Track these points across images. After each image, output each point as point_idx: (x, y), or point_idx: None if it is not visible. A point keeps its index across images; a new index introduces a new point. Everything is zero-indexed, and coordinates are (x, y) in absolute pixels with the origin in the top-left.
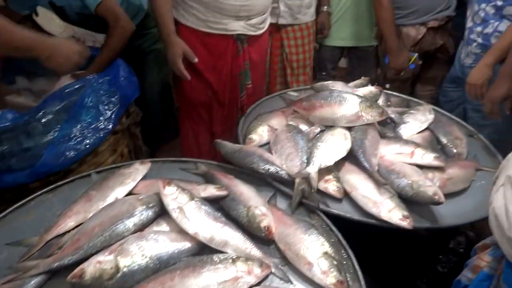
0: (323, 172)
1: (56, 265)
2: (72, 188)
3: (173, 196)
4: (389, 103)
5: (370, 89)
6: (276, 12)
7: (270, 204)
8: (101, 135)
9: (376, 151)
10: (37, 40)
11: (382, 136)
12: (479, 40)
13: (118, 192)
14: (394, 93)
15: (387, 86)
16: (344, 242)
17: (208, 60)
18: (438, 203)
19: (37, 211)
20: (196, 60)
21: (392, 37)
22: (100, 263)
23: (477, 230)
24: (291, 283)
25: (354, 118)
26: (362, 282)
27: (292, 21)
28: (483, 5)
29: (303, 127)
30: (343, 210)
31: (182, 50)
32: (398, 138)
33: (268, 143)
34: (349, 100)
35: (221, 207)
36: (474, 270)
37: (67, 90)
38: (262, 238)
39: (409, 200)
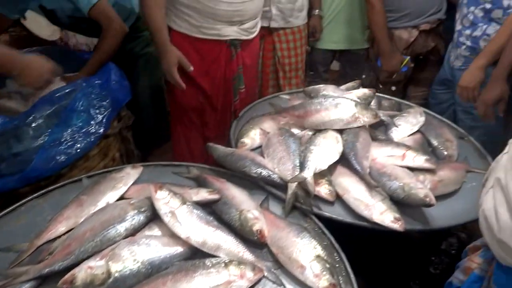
0: (316, 175)
1: (47, 270)
2: (63, 193)
3: (165, 201)
4: (380, 106)
5: (364, 91)
6: (268, 16)
7: (263, 207)
8: (92, 139)
9: (368, 154)
10: (8, 56)
11: (374, 138)
12: (468, 43)
13: (110, 196)
14: (386, 96)
15: (380, 87)
16: (336, 245)
17: (201, 65)
18: (429, 205)
19: (28, 216)
20: (191, 68)
21: (385, 40)
22: (91, 269)
23: (469, 231)
24: (284, 286)
25: (351, 120)
26: (355, 285)
27: (284, 24)
28: (472, 8)
29: (295, 130)
30: (335, 213)
31: (177, 58)
32: (389, 141)
33: (260, 147)
34: (345, 103)
35: (214, 211)
36: (465, 271)
37: (57, 94)
38: (255, 242)
39: (401, 203)
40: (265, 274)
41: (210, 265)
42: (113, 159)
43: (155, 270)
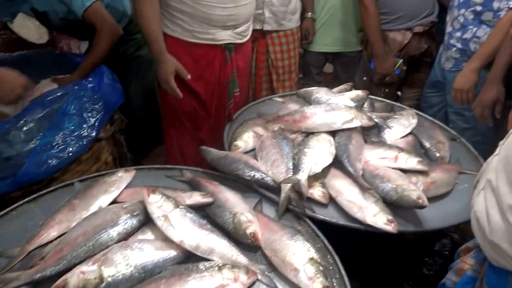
0: (309, 177)
1: (39, 276)
2: (55, 197)
3: (158, 204)
4: (373, 108)
5: (357, 92)
6: (261, 19)
7: (256, 210)
8: (85, 143)
9: (361, 156)
10: None
11: (367, 141)
12: (459, 45)
13: (102, 200)
14: (378, 98)
15: (374, 88)
16: (330, 247)
17: (195, 69)
18: (422, 206)
19: (19, 221)
20: (189, 77)
21: (378, 43)
22: (83, 274)
23: (462, 232)
24: None
25: (349, 119)
26: (348, 287)
27: (277, 27)
28: (462, 11)
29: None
30: (329, 215)
31: (174, 67)
32: (382, 143)
33: (253, 149)
34: (341, 104)
35: (207, 214)
36: (458, 273)
37: (49, 98)
38: (248, 245)
39: (394, 204)
40: (259, 277)
41: (203, 269)
42: (106, 162)
43: (148, 274)
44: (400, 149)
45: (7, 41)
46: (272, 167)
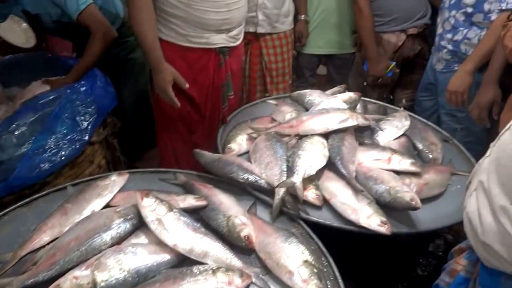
0: (303, 180)
1: (31, 281)
2: (47, 201)
3: (151, 208)
4: (366, 109)
5: (350, 94)
6: (254, 21)
7: (250, 213)
8: (77, 147)
9: (354, 158)
10: None
11: (360, 143)
12: (450, 46)
13: (95, 204)
14: (371, 100)
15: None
16: (324, 249)
17: (189, 73)
18: (415, 208)
19: (11, 226)
20: (187, 85)
21: (372, 45)
22: (76, 279)
23: (455, 233)
24: None
25: (344, 118)
26: None
27: (271, 30)
28: (453, 12)
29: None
30: (323, 217)
31: (172, 76)
32: (375, 145)
33: (247, 152)
34: (336, 105)
35: (201, 217)
36: (451, 274)
37: (41, 101)
38: (243, 248)
39: (387, 206)
40: (253, 280)
41: (197, 272)
42: (99, 166)
43: (142, 278)
44: (393, 151)
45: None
46: (266, 170)
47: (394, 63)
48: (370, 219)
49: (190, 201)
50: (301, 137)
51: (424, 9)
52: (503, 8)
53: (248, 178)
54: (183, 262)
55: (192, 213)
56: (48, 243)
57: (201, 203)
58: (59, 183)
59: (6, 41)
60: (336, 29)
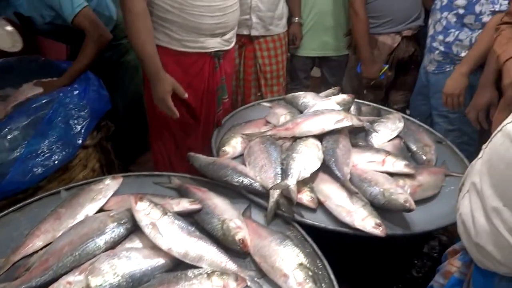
0: (297, 182)
1: (24, 287)
2: (40, 206)
3: (145, 212)
4: (360, 111)
5: (343, 96)
6: (248, 24)
7: (245, 216)
8: (71, 151)
9: (348, 160)
10: None
11: (354, 145)
12: (441, 48)
13: (89, 209)
14: (365, 102)
15: (365, 92)
16: (319, 252)
17: (183, 78)
18: (409, 210)
19: (4, 231)
20: (186, 95)
21: (366, 47)
22: (70, 284)
23: (450, 234)
24: None
25: (340, 119)
26: None
27: (265, 32)
28: (445, 13)
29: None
30: (318, 220)
31: (171, 86)
32: (369, 147)
33: (242, 155)
34: (329, 107)
35: (196, 221)
36: (445, 275)
37: (34, 105)
38: (238, 251)
39: (381, 208)
40: (248, 283)
41: (192, 276)
42: (93, 170)
43: (136, 283)
44: (387, 153)
45: None
46: (260, 173)
47: (387, 66)
48: (365, 221)
49: (184, 204)
50: (295, 139)
51: (419, 11)
52: (497, 9)
53: (242, 181)
54: (178, 266)
55: (187, 216)
56: (41, 248)
57: (196, 206)
58: (53, 188)
59: None
60: (329, 31)
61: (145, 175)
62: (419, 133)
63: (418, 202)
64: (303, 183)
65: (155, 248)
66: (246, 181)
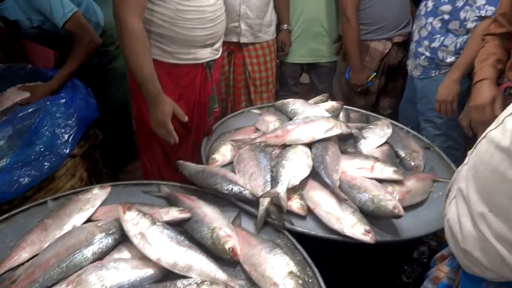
0: (287, 190)
1: None
2: (27, 216)
3: (134, 222)
4: (349, 118)
5: (332, 103)
6: (237, 31)
7: (235, 224)
8: (58, 160)
9: (338, 167)
10: None
11: (343, 151)
12: (427, 53)
13: (76, 219)
14: (353, 108)
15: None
16: (309, 259)
17: (174, 89)
18: (398, 216)
19: None
20: (186, 119)
21: (356, 54)
22: None
23: (439, 239)
24: None
25: (329, 127)
26: None
27: (254, 39)
28: (430, 19)
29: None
30: (307, 227)
31: (171, 109)
32: (358, 153)
33: (231, 163)
34: (319, 114)
35: (185, 230)
36: (434, 281)
37: (20, 114)
38: (227, 260)
39: (371, 215)
40: None
41: (182, 287)
42: (81, 179)
43: None
44: (376, 159)
45: None
46: (250, 180)
47: (374, 74)
48: (354, 228)
49: (173, 213)
50: (284, 146)
51: (408, 17)
52: (482, 15)
53: (232, 189)
54: (167, 277)
55: (176, 225)
56: (28, 260)
57: (185, 215)
58: (40, 198)
59: None
60: (318, 38)
61: (133, 184)
62: (407, 139)
63: (407, 208)
64: (292, 191)
65: (144, 259)
66: (235, 189)
